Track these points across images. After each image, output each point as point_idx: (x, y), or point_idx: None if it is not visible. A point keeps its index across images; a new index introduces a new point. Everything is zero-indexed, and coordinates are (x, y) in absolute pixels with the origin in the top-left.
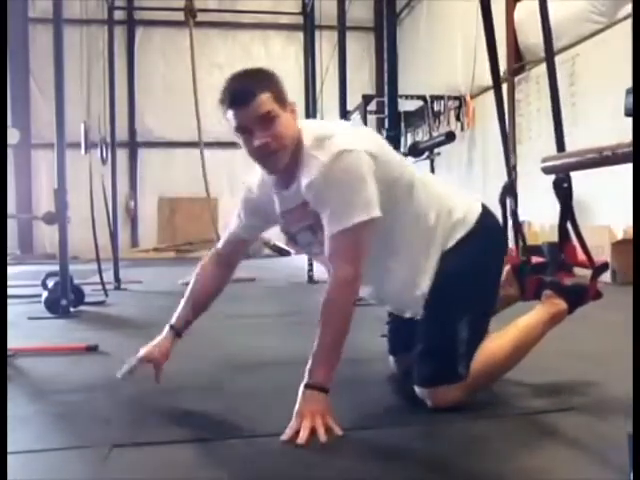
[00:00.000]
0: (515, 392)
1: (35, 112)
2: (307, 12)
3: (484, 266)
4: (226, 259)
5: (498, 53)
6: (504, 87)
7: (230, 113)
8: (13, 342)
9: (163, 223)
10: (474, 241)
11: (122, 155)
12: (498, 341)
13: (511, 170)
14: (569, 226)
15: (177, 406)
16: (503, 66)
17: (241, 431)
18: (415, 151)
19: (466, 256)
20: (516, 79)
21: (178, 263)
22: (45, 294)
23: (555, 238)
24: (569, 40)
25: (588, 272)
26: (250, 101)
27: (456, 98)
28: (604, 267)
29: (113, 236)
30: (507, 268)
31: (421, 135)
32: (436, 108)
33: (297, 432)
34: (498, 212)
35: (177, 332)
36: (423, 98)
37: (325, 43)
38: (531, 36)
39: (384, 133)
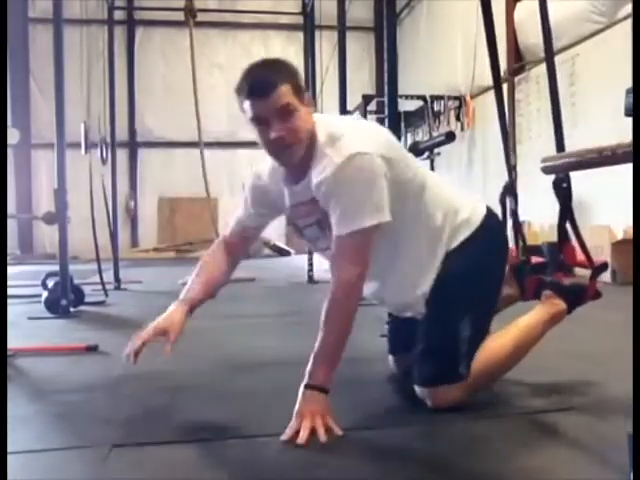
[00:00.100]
0: (515, 392)
1: (35, 112)
2: (307, 12)
3: (487, 266)
4: (233, 248)
5: (498, 53)
6: (504, 87)
7: (247, 103)
8: (13, 342)
9: (163, 223)
10: (478, 242)
11: (122, 155)
12: (499, 341)
13: (511, 170)
14: (568, 226)
15: (177, 406)
16: (503, 66)
17: (241, 431)
18: (415, 151)
19: (470, 256)
20: (516, 79)
21: (178, 263)
22: (45, 294)
23: (555, 238)
24: (569, 40)
25: (588, 272)
26: (270, 92)
27: (456, 98)
28: (603, 267)
29: (113, 236)
30: (507, 268)
31: (421, 135)
32: (436, 108)
33: (297, 432)
34: (498, 212)
35: (189, 307)
36: (423, 98)
37: (325, 43)
38: (531, 36)
39: None
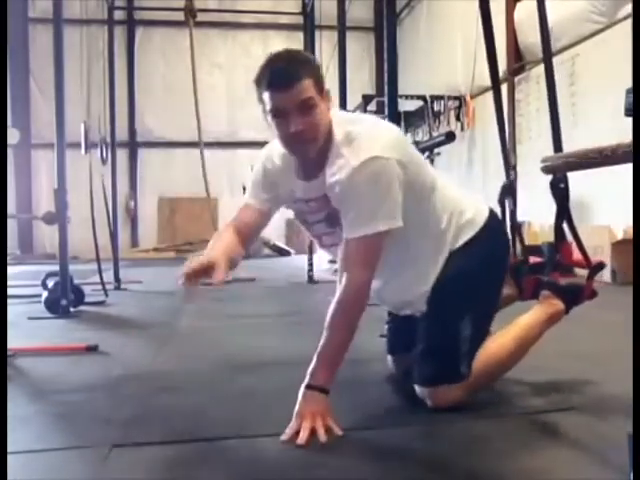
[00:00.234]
0: (515, 392)
1: (35, 112)
2: (307, 12)
3: (490, 267)
4: (241, 229)
5: (498, 53)
6: (504, 87)
7: (267, 94)
8: (13, 342)
9: (163, 223)
10: (482, 242)
11: (122, 155)
12: (500, 340)
13: (510, 171)
14: (566, 226)
15: (177, 406)
16: (503, 66)
17: (241, 431)
18: None
19: (474, 256)
20: (516, 79)
21: (178, 263)
22: (45, 294)
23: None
24: (569, 40)
25: (586, 272)
26: (292, 85)
27: (456, 98)
28: (600, 266)
29: (113, 236)
30: None
31: (421, 135)
32: (436, 108)
33: (297, 432)
34: (497, 212)
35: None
36: (423, 98)
37: (325, 43)
38: (531, 36)
39: None
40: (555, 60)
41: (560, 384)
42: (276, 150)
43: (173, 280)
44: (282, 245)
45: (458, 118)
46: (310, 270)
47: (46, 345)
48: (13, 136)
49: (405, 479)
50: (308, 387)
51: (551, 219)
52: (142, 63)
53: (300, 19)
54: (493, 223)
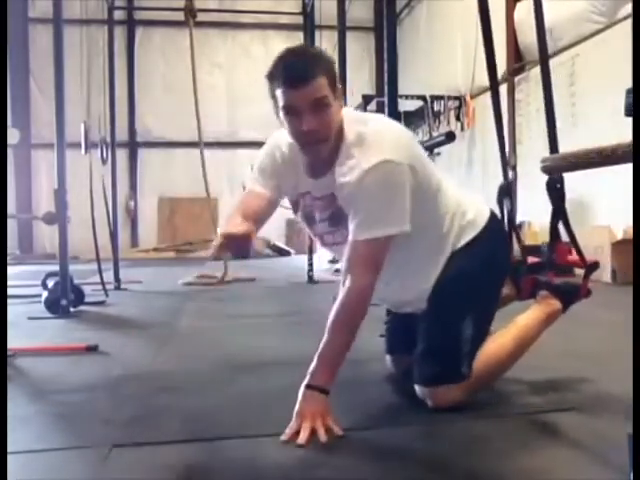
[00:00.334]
0: (515, 392)
1: (35, 112)
2: (307, 12)
3: (491, 267)
4: (249, 217)
5: (498, 53)
6: (504, 87)
7: (281, 91)
8: (13, 342)
9: (163, 223)
10: (483, 243)
11: (122, 155)
12: (499, 340)
13: (507, 171)
14: (562, 227)
15: (177, 406)
16: (503, 66)
17: (241, 431)
18: None
19: (475, 257)
20: (516, 79)
21: (178, 263)
22: (45, 294)
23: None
24: (569, 40)
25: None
26: (307, 83)
27: (456, 98)
28: (595, 266)
29: (113, 236)
30: None
31: (421, 135)
32: (436, 108)
33: (297, 432)
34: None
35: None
36: (423, 98)
37: (325, 43)
38: (531, 36)
39: None
40: (555, 60)
41: (560, 384)
42: (285, 140)
43: (173, 280)
44: (282, 245)
45: (458, 118)
46: (310, 270)
47: (46, 345)
48: (13, 136)
49: (405, 479)
50: (308, 387)
51: None
52: (142, 63)
53: (300, 19)
54: (494, 224)
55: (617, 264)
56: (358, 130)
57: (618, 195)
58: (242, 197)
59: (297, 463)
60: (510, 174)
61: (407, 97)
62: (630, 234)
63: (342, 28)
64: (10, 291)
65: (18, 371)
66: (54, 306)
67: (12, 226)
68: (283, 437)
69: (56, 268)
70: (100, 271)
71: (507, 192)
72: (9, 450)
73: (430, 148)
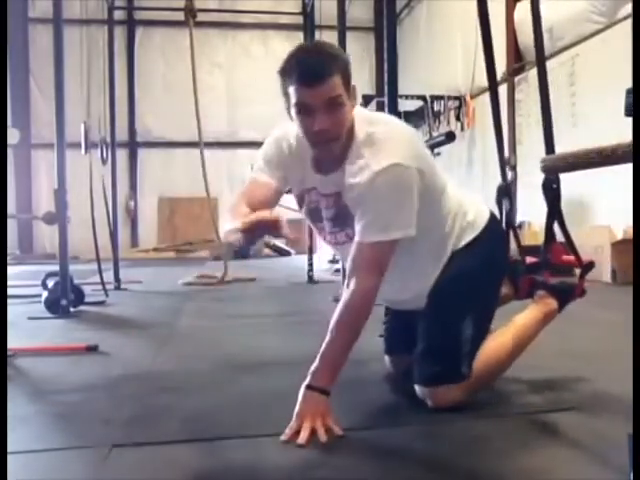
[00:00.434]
0: (515, 392)
1: (35, 112)
2: (307, 12)
3: (491, 267)
4: (255, 207)
5: (498, 53)
6: (504, 87)
7: (294, 88)
8: (13, 342)
9: (163, 223)
10: (483, 243)
11: (122, 155)
12: (499, 339)
13: (505, 172)
14: (558, 227)
15: (177, 406)
16: (503, 66)
17: (241, 431)
18: None
19: (476, 257)
20: (516, 79)
21: (178, 263)
22: (45, 294)
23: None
24: (569, 40)
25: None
26: (323, 81)
27: (456, 98)
28: (590, 266)
29: (113, 236)
30: None
31: (421, 135)
32: (436, 108)
33: (297, 432)
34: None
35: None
36: (423, 98)
37: None
38: (531, 36)
39: None
40: (555, 60)
41: (560, 384)
42: (293, 132)
43: (173, 280)
44: (282, 245)
45: (458, 118)
46: (310, 270)
47: (46, 345)
48: (13, 136)
49: (405, 479)
50: (309, 388)
51: None
52: (142, 63)
53: (300, 19)
54: (493, 224)
55: (617, 264)
56: (368, 130)
57: (618, 195)
58: (246, 186)
59: (297, 463)
60: (510, 174)
61: (407, 97)
62: (630, 234)
63: (342, 28)
64: (10, 291)
65: (18, 371)
66: (54, 306)
67: (12, 226)
68: (283, 437)
69: (56, 268)
70: (100, 271)
71: (506, 193)
72: (9, 450)
73: (430, 148)
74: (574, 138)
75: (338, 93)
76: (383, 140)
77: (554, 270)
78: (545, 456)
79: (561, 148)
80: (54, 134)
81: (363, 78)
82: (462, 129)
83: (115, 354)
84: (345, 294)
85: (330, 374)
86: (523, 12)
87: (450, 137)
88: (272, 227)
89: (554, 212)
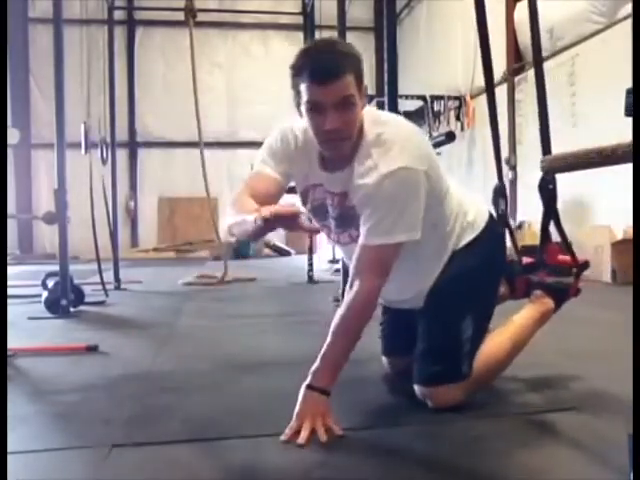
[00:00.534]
0: (515, 392)
1: (35, 112)
2: (307, 12)
3: (490, 267)
4: (261, 202)
5: (498, 53)
6: (504, 87)
7: (306, 86)
8: (13, 342)
9: (163, 223)
10: (483, 243)
11: (122, 155)
12: (497, 339)
13: (502, 173)
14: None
15: (177, 406)
16: (503, 66)
17: (241, 431)
18: None
19: (476, 257)
20: (516, 79)
21: (178, 263)
22: (45, 294)
23: (555, 239)
24: (569, 40)
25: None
26: (335, 80)
27: (456, 98)
28: (585, 265)
29: (113, 236)
30: None
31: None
32: (436, 108)
33: (297, 432)
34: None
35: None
36: (423, 98)
37: None
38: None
39: None
40: (555, 60)
41: (560, 383)
42: (300, 126)
43: (173, 280)
44: (282, 245)
45: (458, 118)
46: (310, 270)
47: (46, 345)
48: (13, 136)
49: (405, 479)
50: (309, 388)
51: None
52: (142, 63)
53: (300, 19)
54: (493, 225)
55: (617, 264)
56: (377, 130)
57: (618, 195)
58: (249, 179)
59: (297, 463)
60: (510, 174)
61: (407, 97)
62: (630, 234)
63: (342, 28)
64: (10, 291)
65: (18, 371)
66: (54, 306)
67: (12, 226)
68: (283, 437)
69: (56, 268)
70: (100, 271)
71: (502, 193)
72: (9, 450)
73: None
74: (574, 138)
75: (350, 93)
76: (392, 141)
77: (551, 270)
78: (545, 456)
79: (561, 148)
80: (54, 134)
81: None
82: (462, 129)
83: (115, 354)
84: (348, 295)
85: (331, 374)
86: (523, 12)
87: (450, 137)
88: (291, 219)
89: (550, 212)
